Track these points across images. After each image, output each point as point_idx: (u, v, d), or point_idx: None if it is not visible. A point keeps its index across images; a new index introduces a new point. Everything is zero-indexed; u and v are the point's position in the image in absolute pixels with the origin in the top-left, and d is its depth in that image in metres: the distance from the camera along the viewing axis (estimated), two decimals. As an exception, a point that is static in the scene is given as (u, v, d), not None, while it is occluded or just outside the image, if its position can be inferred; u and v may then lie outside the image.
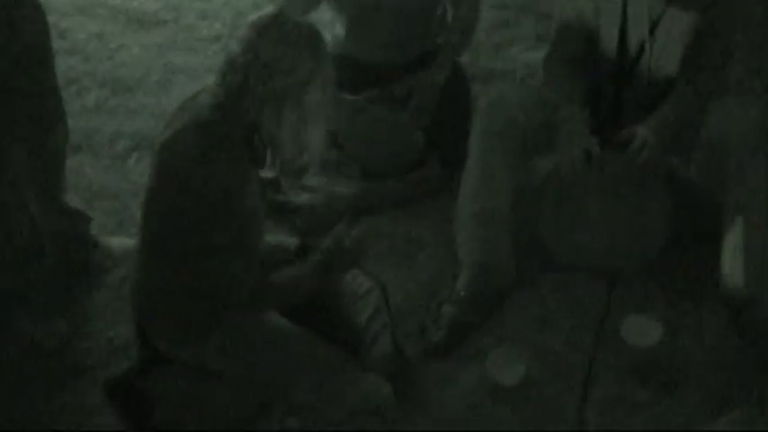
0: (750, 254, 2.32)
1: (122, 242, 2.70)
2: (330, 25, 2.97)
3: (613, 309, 2.40)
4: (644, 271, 2.46)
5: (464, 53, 3.02)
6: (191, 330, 2.02)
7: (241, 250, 1.89)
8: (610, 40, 2.36)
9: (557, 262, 2.53)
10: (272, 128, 1.87)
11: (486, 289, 2.41)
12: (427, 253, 2.66)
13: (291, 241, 2.30)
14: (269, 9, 1.91)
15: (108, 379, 2.14)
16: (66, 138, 2.56)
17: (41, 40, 2.42)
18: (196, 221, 1.87)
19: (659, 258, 2.45)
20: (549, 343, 2.33)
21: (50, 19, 3.94)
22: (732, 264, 2.34)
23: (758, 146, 2.27)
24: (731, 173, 2.29)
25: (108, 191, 3.02)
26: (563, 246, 2.51)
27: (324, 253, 2.02)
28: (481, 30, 3.76)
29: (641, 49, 2.36)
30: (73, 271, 2.64)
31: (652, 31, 2.33)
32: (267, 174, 2.73)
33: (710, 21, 2.31)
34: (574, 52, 2.41)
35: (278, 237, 2.35)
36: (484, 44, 3.70)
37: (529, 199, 2.54)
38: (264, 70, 1.81)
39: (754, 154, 2.27)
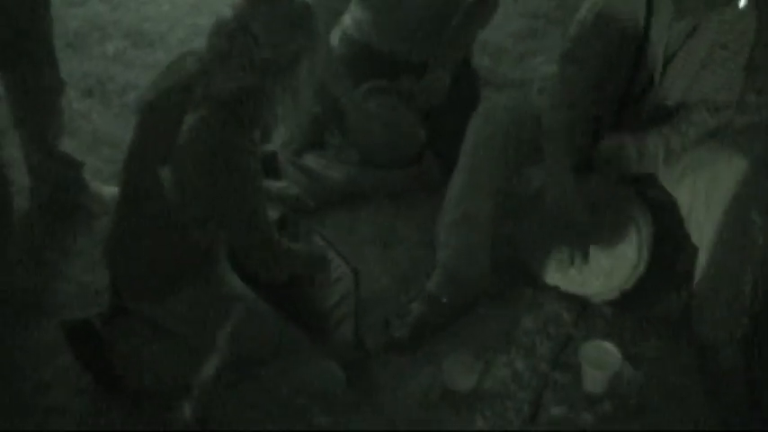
0: (722, 299, 2.31)
1: (112, 191, 2.73)
2: (353, 12, 2.98)
3: (579, 332, 2.40)
4: (617, 298, 2.46)
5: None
6: (152, 287, 2.05)
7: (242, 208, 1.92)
8: (622, 68, 2.35)
9: (532, 278, 2.53)
10: (256, 98, 1.88)
11: (456, 293, 2.42)
12: (406, 247, 2.68)
13: (272, 214, 2.30)
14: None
15: (66, 320, 2.18)
16: (57, 82, 2.58)
17: None
18: (179, 179, 1.89)
19: (634, 287, 2.44)
20: (508, 358, 2.33)
21: (86, -34, 4.02)
22: (703, 305, 2.33)
23: (739, 190, 2.26)
24: (710, 213, 2.28)
25: (110, 139, 3.06)
26: (540, 264, 2.51)
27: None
28: (508, 37, 3.79)
29: (652, 78, 2.35)
30: (58, 213, 2.68)
31: (666, 63, 2.32)
32: (266, 148, 2.78)
33: (726, 58, 2.30)
34: (590, 61, 2.38)
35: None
36: (509, 52, 3.70)
37: (513, 210, 2.54)
38: (250, 41, 1.82)
39: (734, 200, 2.25)
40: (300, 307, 2.21)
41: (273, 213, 2.32)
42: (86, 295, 2.46)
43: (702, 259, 2.33)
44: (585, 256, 2.33)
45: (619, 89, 2.37)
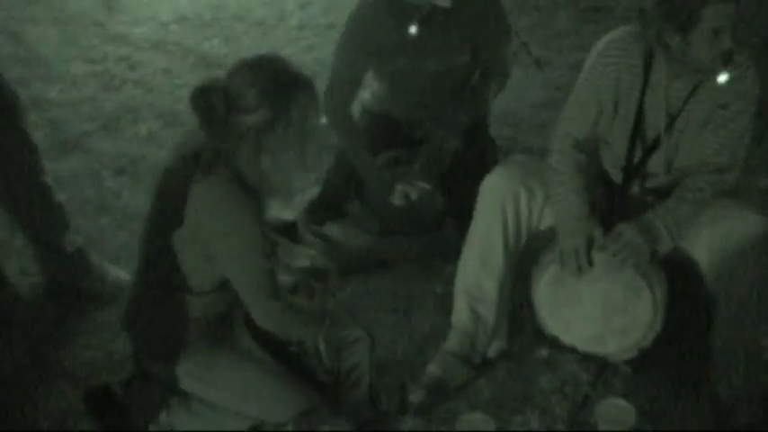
0: (740, 357, 2.29)
1: (117, 273, 2.84)
2: (371, 84, 3.09)
3: (596, 392, 2.39)
4: (635, 359, 2.44)
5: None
6: (169, 350, 2.10)
7: (246, 275, 1.98)
8: (625, 126, 2.39)
9: (548, 339, 2.53)
10: (242, 160, 1.95)
11: (471, 355, 2.44)
12: (424, 314, 2.71)
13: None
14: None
15: (88, 386, 2.24)
16: (44, 183, 2.69)
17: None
18: (168, 246, 1.98)
19: (652, 346, 2.43)
20: (524, 418, 2.33)
21: (124, 51, 4.25)
22: (721, 363, 2.31)
23: (758, 249, 2.26)
24: (728, 273, 2.27)
25: (141, 215, 3.14)
26: (556, 325, 2.51)
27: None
28: (528, 107, 3.86)
29: (655, 142, 2.38)
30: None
31: (670, 125, 2.35)
32: (286, 216, 2.85)
33: (729, 118, 2.32)
34: (587, 132, 2.43)
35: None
36: (528, 121, 3.77)
37: (528, 271, 2.56)
38: (224, 102, 1.90)
39: (752, 260, 2.25)
40: (316, 368, 2.25)
41: (289, 278, 2.39)
42: (112, 363, 2.53)
43: (719, 316, 2.32)
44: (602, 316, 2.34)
45: (624, 140, 2.39)
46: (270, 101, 1.91)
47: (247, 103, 1.91)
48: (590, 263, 2.38)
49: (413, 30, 2.69)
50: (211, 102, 1.90)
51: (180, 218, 1.98)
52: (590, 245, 2.35)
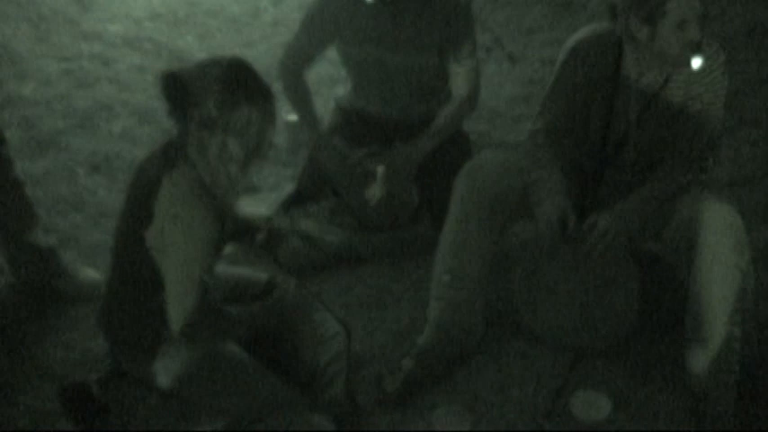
0: (714, 344, 2.32)
1: (89, 274, 2.81)
2: (345, 81, 3.11)
3: (571, 384, 2.41)
4: (610, 349, 2.47)
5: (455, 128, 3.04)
6: (144, 348, 2.11)
7: (181, 278, 1.98)
8: (597, 120, 2.42)
9: (524, 331, 2.56)
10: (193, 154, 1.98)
11: (446, 348, 2.46)
12: (402, 307, 2.72)
13: (262, 276, 2.38)
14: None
15: (64, 385, 2.23)
16: (16, 178, 2.67)
17: None
18: (141, 242, 1.99)
19: (626, 337, 2.46)
20: (500, 410, 2.34)
21: (97, 48, 4.22)
22: (695, 352, 2.34)
23: (727, 238, 2.29)
24: (698, 262, 2.31)
25: (115, 212, 3.13)
26: (532, 317, 2.54)
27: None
28: (503, 102, 3.88)
29: (627, 134, 2.41)
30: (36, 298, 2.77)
31: (641, 116, 2.39)
32: (262, 211, 2.85)
33: (699, 110, 2.36)
34: (561, 127, 2.46)
35: (249, 270, 2.43)
36: (503, 116, 3.80)
37: (503, 265, 2.59)
38: (180, 94, 1.94)
39: (719, 249, 2.28)
40: (295, 362, 2.26)
41: (263, 276, 2.39)
42: (88, 361, 2.52)
43: (693, 307, 2.35)
44: (577, 308, 2.37)
45: (597, 134, 2.42)
46: (216, 101, 1.93)
47: (197, 96, 1.93)
48: (565, 253, 2.41)
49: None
50: (172, 89, 1.94)
51: (150, 213, 1.98)
52: (565, 235, 2.38)
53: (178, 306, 1.98)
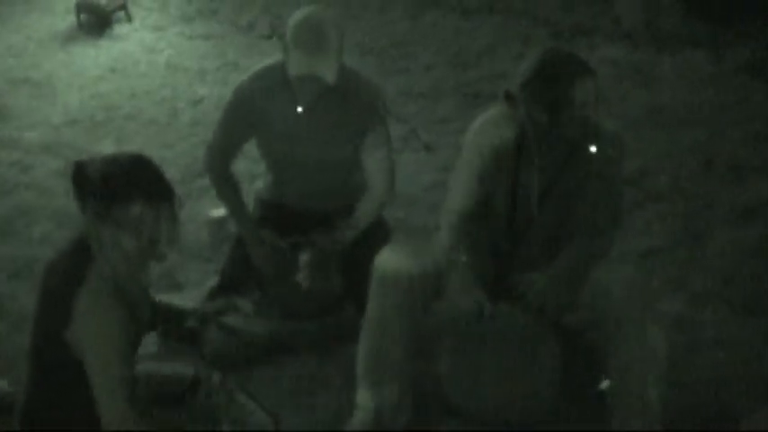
0: (634, 412, 2.40)
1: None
2: (264, 175, 3.18)
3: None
4: (539, 421, 2.52)
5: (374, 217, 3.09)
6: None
7: (103, 380, 1.96)
8: (502, 201, 2.52)
9: (454, 410, 2.59)
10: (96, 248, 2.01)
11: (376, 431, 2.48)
12: (331, 393, 2.74)
13: (187, 372, 2.37)
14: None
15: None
16: None
17: None
18: (61, 342, 1.99)
19: (552, 409, 2.52)
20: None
21: (15, 156, 4.22)
22: (618, 420, 2.42)
23: (636, 307, 2.39)
24: (611, 335, 2.40)
25: (36, 318, 3.11)
26: (461, 395, 2.58)
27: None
28: (420, 188, 4.00)
29: (531, 210, 2.52)
30: None
31: (544, 196, 2.49)
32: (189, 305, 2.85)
33: (600, 188, 2.49)
34: (471, 207, 2.55)
35: (175, 366, 2.43)
36: (420, 202, 3.90)
37: (427, 346, 2.64)
38: (79, 187, 1.99)
39: (633, 318, 2.38)
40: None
41: (189, 371, 2.39)
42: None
43: (611, 376, 2.44)
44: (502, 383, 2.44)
45: (504, 212, 2.52)
46: (109, 194, 1.96)
47: (93, 187, 1.97)
48: (485, 333, 2.48)
49: (299, 110, 2.80)
50: (76, 178, 1.99)
51: (69, 313, 1.98)
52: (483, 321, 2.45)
53: (110, 404, 1.96)
